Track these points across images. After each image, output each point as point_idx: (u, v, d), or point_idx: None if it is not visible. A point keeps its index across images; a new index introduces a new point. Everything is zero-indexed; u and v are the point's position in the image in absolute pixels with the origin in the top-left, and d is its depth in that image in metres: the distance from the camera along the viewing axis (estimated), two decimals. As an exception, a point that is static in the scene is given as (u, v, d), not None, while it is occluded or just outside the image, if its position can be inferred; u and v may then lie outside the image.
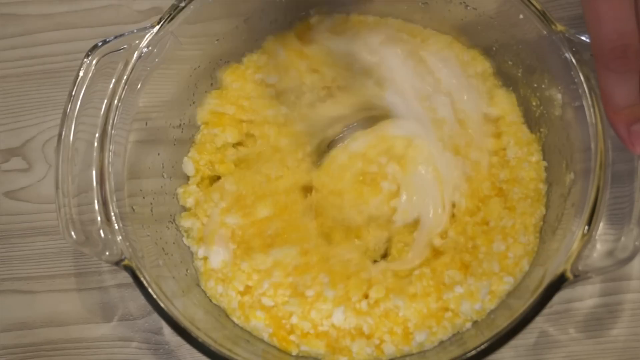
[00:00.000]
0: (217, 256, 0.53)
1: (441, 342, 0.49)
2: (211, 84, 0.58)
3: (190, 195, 0.56)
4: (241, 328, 0.51)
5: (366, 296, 0.51)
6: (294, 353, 0.50)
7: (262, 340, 0.51)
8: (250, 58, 0.58)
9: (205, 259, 0.54)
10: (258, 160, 0.56)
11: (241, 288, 0.52)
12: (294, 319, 0.50)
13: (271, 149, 0.56)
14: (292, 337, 0.50)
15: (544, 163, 0.53)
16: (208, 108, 0.57)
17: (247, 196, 0.55)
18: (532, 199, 0.52)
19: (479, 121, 0.55)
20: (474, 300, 0.49)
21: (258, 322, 0.51)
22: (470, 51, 0.57)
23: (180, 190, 0.56)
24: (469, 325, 0.50)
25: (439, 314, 0.50)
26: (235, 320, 0.52)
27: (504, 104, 0.55)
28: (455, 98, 0.55)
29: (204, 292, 0.53)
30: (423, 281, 0.50)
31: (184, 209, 0.56)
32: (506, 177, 0.53)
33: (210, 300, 0.53)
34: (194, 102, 0.57)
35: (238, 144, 0.57)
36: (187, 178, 0.57)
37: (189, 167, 0.56)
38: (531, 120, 0.54)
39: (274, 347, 0.51)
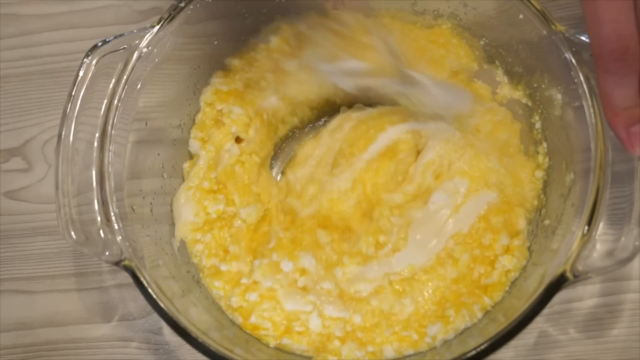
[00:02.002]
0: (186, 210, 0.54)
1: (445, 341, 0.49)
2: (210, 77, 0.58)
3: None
4: (241, 328, 0.51)
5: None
6: (272, 345, 0.50)
7: (260, 341, 0.51)
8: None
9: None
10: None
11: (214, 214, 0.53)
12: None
13: None
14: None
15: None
16: (212, 89, 0.57)
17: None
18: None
19: None
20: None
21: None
22: None
23: (185, 165, 0.56)
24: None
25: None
26: (203, 282, 0.53)
27: None
28: None
29: (189, 256, 0.54)
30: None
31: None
32: None
33: (209, 293, 0.53)
34: (193, 102, 0.57)
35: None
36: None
37: (194, 146, 0.56)
38: (531, 120, 0.55)
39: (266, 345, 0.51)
